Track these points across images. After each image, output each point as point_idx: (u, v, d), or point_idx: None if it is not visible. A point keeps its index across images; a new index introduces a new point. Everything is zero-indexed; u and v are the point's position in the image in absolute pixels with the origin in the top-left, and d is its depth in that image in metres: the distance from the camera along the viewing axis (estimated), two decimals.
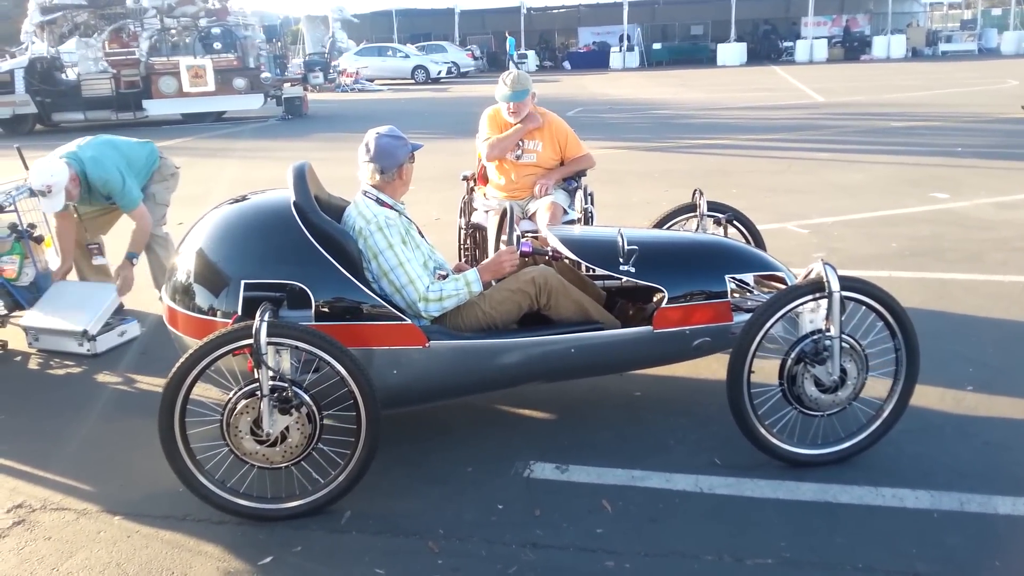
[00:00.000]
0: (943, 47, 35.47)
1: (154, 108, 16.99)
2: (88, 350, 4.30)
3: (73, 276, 4.85)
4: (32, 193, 4.68)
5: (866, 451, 2.99)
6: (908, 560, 2.46)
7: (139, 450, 3.24)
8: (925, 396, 3.43)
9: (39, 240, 4.63)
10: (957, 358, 3.86)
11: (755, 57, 36.06)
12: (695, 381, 3.74)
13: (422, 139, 3.45)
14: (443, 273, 3.35)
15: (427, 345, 2.97)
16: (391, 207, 3.19)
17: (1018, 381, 3.61)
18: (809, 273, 2.91)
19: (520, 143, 4.62)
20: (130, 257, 4.76)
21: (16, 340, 4.51)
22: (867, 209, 7.02)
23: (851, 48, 34.93)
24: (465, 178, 5.07)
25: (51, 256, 4.78)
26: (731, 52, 34.90)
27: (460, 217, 4.92)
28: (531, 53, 36.28)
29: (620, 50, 36.71)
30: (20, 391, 4.01)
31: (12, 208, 4.50)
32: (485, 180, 4.94)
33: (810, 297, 2.85)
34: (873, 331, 3.04)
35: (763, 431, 2.93)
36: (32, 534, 2.76)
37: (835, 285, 2.79)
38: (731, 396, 2.89)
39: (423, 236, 3.43)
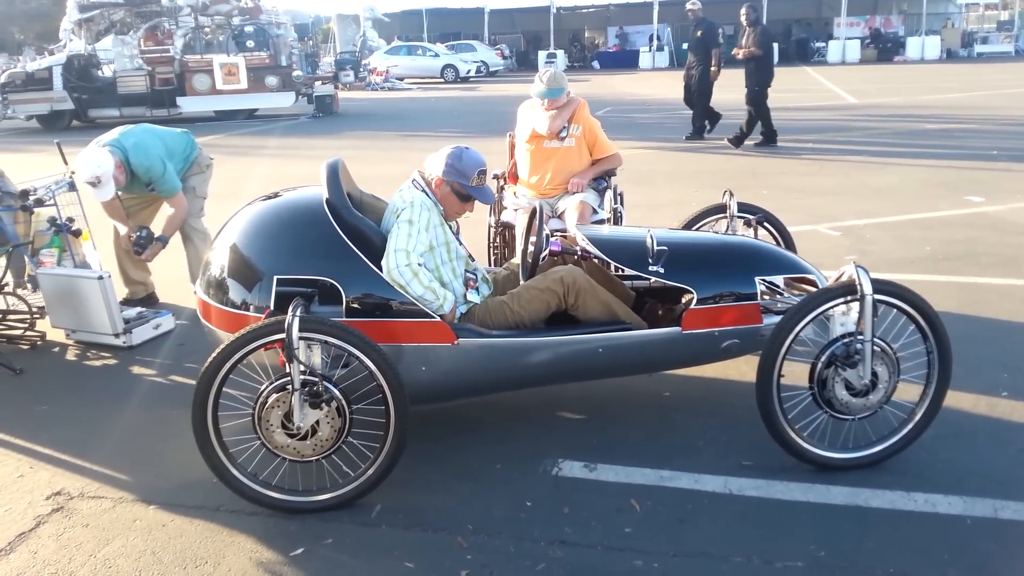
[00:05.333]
0: (979, 48, 34.89)
1: (188, 105, 17.21)
2: (124, 342, 4.38)
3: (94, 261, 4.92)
4: (71, 187, 4.78)
5: (897, 456, 2.97)
6: (940, 566, 2.44)
7: (174, 441, 3.29)
8: (959, 401, 3.39)
9: (77, 234, 4.71)
10: (991, 363, 3.81)
11: (787, 57, 35.72)
12: (725, 383, 3.73)
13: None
14: (472, 278, 3.36)
15: (456, 343, 2.99)
16: (433, 203, 3.24)
17: None
18: (841, 276, 2.89)
19: (565, 125, 4.67)
20: (161, 240, 4.81)
21: (53, 331, 4.60)
22: (900, 212, 6.94)
23: (884, 49, 34.46)
24: (495, 176, 5.09)
25: (88, 249, 4.87)
26: None
27: (490, 215, 4.94)
28: (560, 53, 36.20)
29: (649, 50, 36.53)
30: (58, 382, 4.09)
31: (52, 202, 4.59)
32: (515, 179, 4.97)
33: (842, 300, 2.83)
34: (904, 335, 3.01)
35: (793, 434, 2.92)
36: (70, 521, 2.82)
37: (868, 288, 2.77)
38: (760, 399, 2.88)
39: (459, 240, 3.42)
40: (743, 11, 10.87)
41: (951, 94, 17.84)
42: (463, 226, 3.58)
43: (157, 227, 4.89)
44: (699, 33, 11.56)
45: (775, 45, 10.62)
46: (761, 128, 11.04)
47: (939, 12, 37.85)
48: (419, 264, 3.03)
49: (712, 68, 11.38)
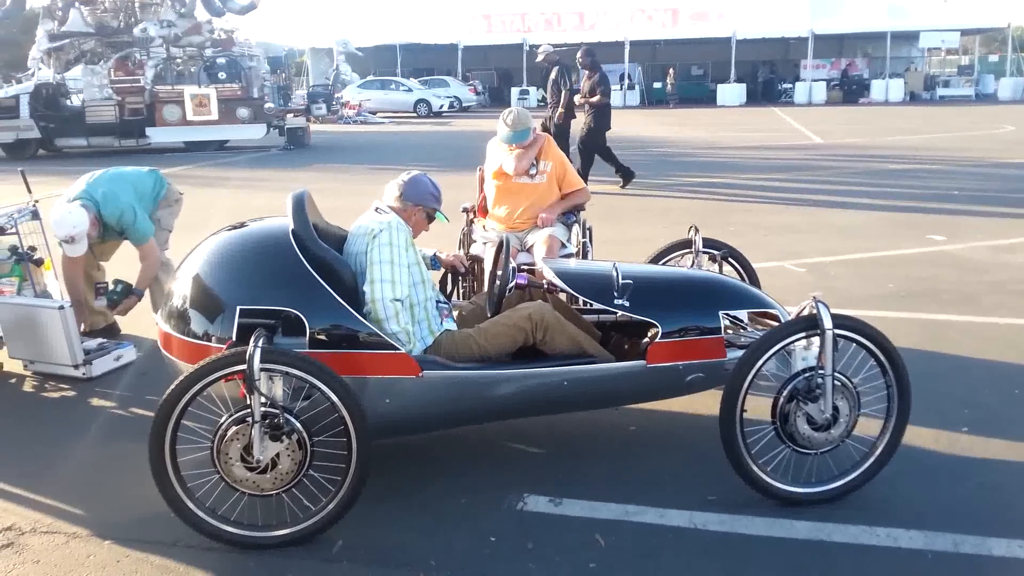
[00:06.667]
0: (941, 92, 35.86)
1: (157, 136, 17.08)
2: (83, 374, 4.29)
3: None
4: (35, 216, 4.72)
5: (860, 490, 2.98)
6: None
7: (131, 474, 3.21)
8: (920, 437, 3.43)
9: (39, 263, 4.64)
10: (952, 400, 3.86)
11: (754, 98, 36.43)
12: (690, 417, 3.73)
13: (423, 171, 3.50)
14: (444, 308, 3.37)
15: (420, 375, 2.97)
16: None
17: (1013, 423, 3.61)
18: (802, 310, 2.92)
19: (535, 162, 4.71)
20: (136, 293, 4.74)
21: (11, 362, 4.50)
22: (864, 250, 7.06)
23: (850, 91, 35.32)
24: (465, 210, 5.12)
25: (50, 279, 4.79)
26: (731, 92, 35.26)
27: (459, 249, 4.94)
28: (532, 90, 36.58)
29: (620, 88, 37.05)
30: (14, 414, 4.00)
31: (13, 230, 4.53)
32: (485, 212, 4.99)
33: (803, 334, 2.86)
34: (864, 369, 3.05)
35: (756, 469, 2.92)
36: (21, 557, 2.74)
37: (828, 323, 2.80)
38: (724, 434, 2.88)
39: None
40: (579, 55, 10.86)
41: (914, 136, 18.27)
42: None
43: (118, 258, 4.83)
44: (552, 76, 11.36)
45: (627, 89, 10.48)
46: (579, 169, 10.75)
47: (903, 56, 38.89)
48: (400, 302, 3.05)
49: (560, 110, 10.98)
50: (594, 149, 10.65)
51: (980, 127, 20.23)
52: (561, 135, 11.04)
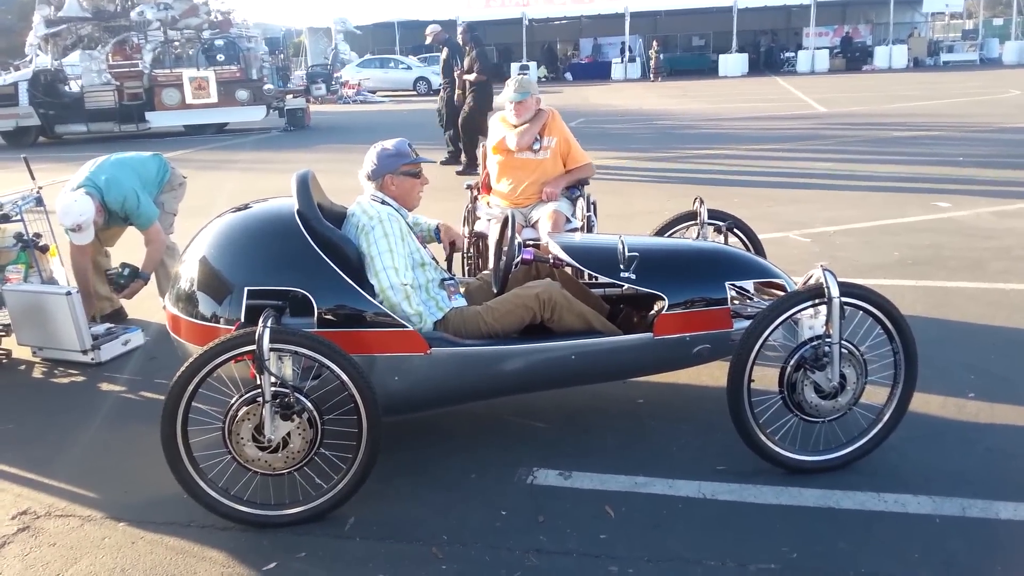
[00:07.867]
0: (945, 57, 35.56)
1: (157, 120, 17.03)
2: (92, 359, 4.32)
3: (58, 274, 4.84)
4: (39, 203, 4.72)
5: (868, 457, 3.00)
6: (911, 566, 2.46)
7: (143, 457, 3.24)
8: (927, 403, 3.43)
9: (44, 249, 4.65)
10: (959, 366, 3.87)
11: (756, 68, 36.16)
12: (698, 388, 3.75)
13: (424, 150, 3.49)
14: (451, 284, 3.37)
15: (429, 352, 2.98)
16: (395, 210, 3.27)
17: (1020, 388, 3.61)
18: (809, 279, 2.92)
19: (538, 138, 4.68)
20: (143, 277, 4.74)
21: (20, 349, 4.53)
22: (869, 218, 7.03)
23: (853, 58, 35.03)
24: (469, 187, 5.11)
25: (56, 265, 4.80)
26: (733, 63, 35.00)
27: (463, 226, 4.94)
28: (532, 64, 36.36)
29: (622, 61, 36.81)
30: (25, 400, 4.02)
31: (18, 218, 4.53)
32: (489, 189, 4.98)
33: (810, 303, 2.86)
34: (871, 336, 3.05)
35: (764, 438, 2.94)
36: (37, 540, 2.78)
37: (835, 291, 2.80)
38: (731, 404, 2.89)
39: (425, 246, 3.45)
40: (459, 31, 10.71)
41: (918, 102, 18.13)
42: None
43: (124, 243, 4.83)
44: (443, 57, 11.21)
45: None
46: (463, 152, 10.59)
47: (906, 21, 38.53)
48: (408, 285, 3.06)
49: (458, 92, 10.83)
50: (475, 130, 10.25)
51: (985, 92, 20.07)
52: (457, 115, 10.82)
